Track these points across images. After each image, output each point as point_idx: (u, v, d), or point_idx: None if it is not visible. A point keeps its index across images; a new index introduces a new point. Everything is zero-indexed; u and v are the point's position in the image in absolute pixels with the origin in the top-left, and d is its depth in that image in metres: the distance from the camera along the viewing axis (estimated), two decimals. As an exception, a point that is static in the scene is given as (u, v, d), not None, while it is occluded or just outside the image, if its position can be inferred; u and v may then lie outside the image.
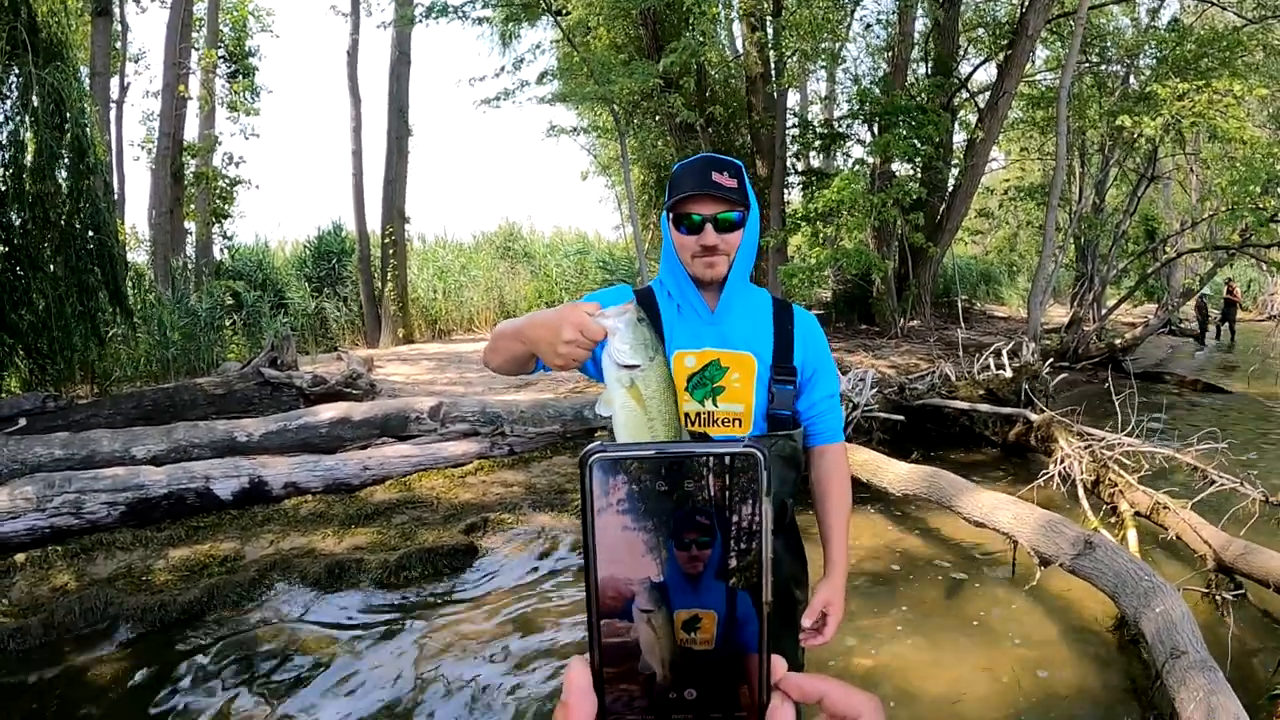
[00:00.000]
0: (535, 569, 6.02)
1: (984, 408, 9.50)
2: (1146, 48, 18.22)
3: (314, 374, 9.51)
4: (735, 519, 0.58)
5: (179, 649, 4.74)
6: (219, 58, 20.62)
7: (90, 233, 8.79)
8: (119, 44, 20.59)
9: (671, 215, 2.13)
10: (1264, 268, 17.74)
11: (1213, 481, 6.62)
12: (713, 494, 0.58)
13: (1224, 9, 18.50)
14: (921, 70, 19.60)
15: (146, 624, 4.94)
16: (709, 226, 2.07)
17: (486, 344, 2.06)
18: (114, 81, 19.16)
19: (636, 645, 0.58)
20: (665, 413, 1.45)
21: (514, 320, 1.89)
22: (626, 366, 1.42)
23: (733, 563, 0.58)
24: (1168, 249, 19.61)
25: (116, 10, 19.37)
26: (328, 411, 8.23)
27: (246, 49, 22.62)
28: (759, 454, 0.59)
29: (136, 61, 23.62)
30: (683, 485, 0.58)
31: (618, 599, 0.59)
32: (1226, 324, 23.41)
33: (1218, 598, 5.07)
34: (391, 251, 18.19)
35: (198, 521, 6.47)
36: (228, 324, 14.29)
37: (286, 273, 20.27)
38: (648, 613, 0.58)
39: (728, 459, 0.59)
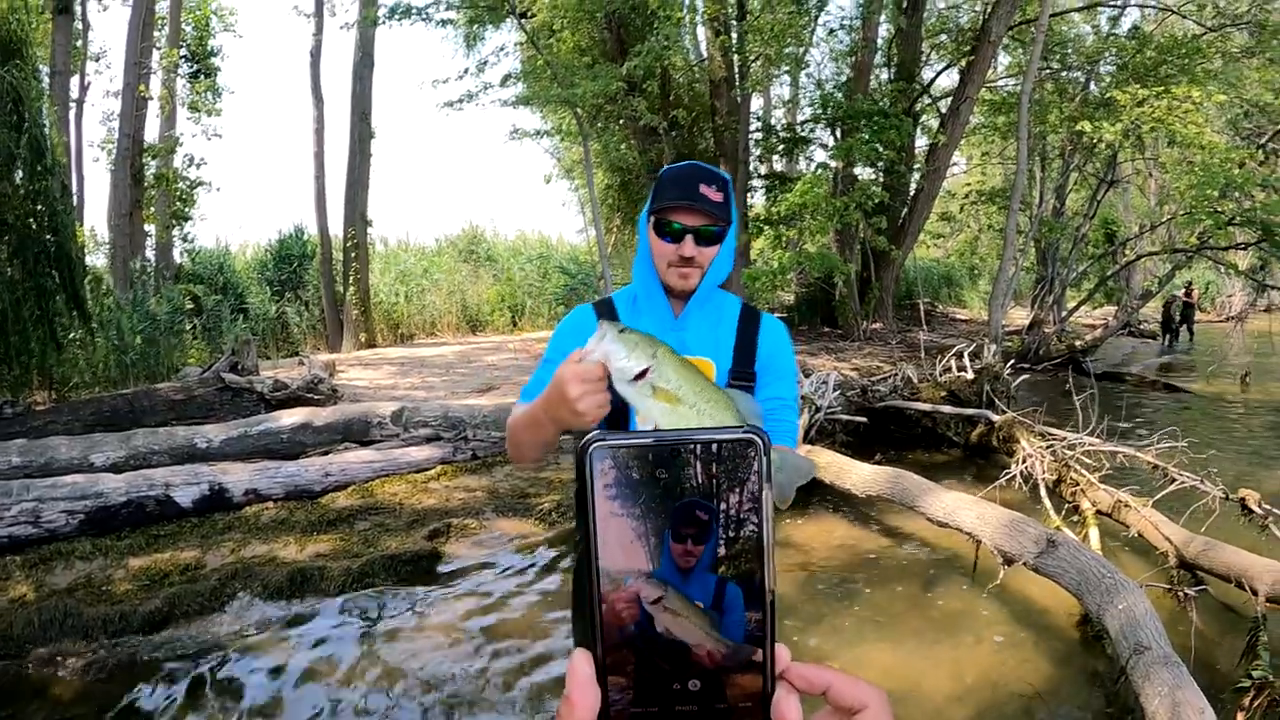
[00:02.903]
0: (499, 574, 6.00)
1: (946, 409, 9.57)
2: (1107, 54, 18.46)
3: (275, 379, 9.44)
4: (726, 507, 0.58)
5: (140, 660, 4.69)
6: (181, 57, 20.37)
7: (48, 235, 8.69)
8: (80, 42, 20.35)
9: (653, 219, 2.12)
10: (1222, 270, 17.97)
11: (1173, 480, 6.71)
12: (707, 482, 0.58)
13: (1184, 17, 18.71)
14: (884, 75, 19.73)
15: (107, 635, 4.89)
16: (689, 238, 2.06)
17: (509, 446, 2.03)
18: (74, 80, 18.99)
19: (636, 635, 0.59)
20: (702, 392, 1.38)
21: (518, 415, 1.89)
22: (639, 376, 1.37)
23: (722, 551, 0.59)
24: (1127, 252, 19.84)
25: (78, 8, 19.15)
26: (289, 417, 8.19)
27: (209, 49, 22.33)
28: (759, 439, 0.59)
29: (97, 60, 23.34)
30: (682, 473, 0.58)
31: (616, 589, 0.59)
32: (1185, 325, 23.70)
33: (1180, 594, 5.14)
34: (353, 255, 18.08)
35: (158, 530, 6.39)
36: (188, 328, 14.14)
37: (247, 276, 20.15)
38: (659, 599, 0.58)
39: (726, 446, 0.59)
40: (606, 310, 2.24)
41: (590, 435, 0.60)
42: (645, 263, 2.17)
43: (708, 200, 2.04)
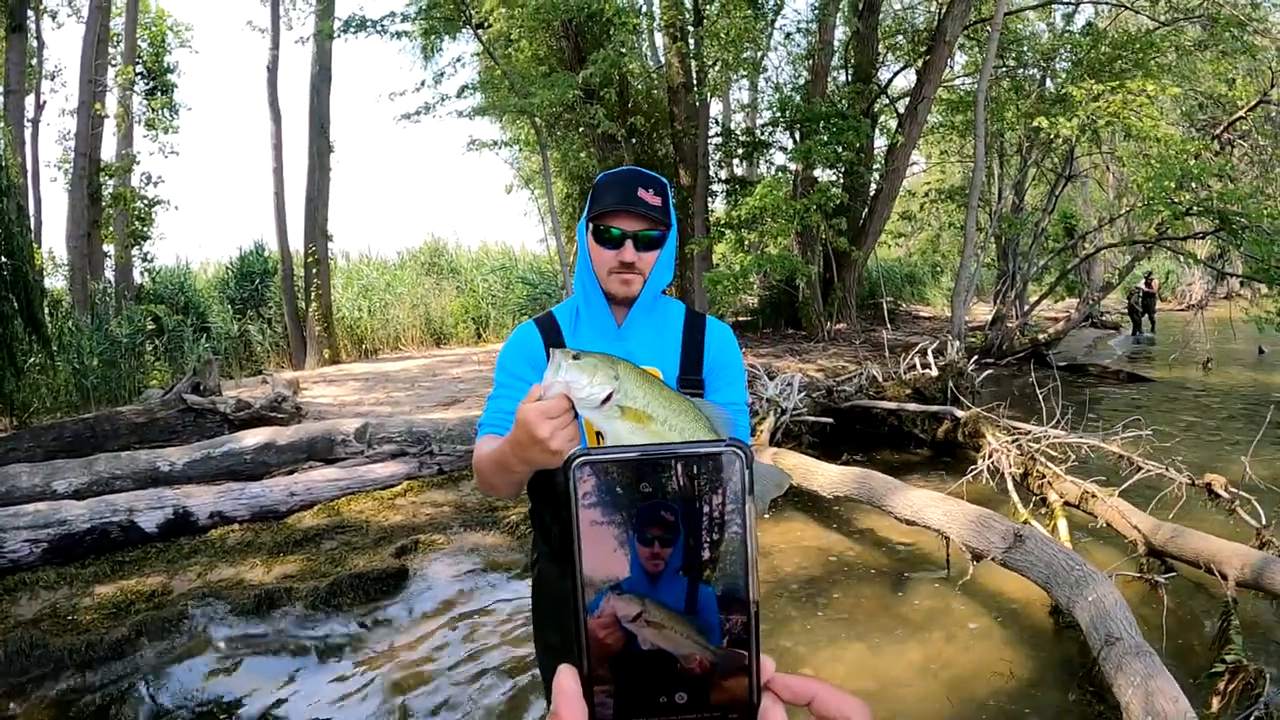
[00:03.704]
0: (469, 589, 5.98)
1: (911, 407, 9.62)
2: (1062, 51, 18.65)
3: (238, 399, 9.36)
4: (708, 517, 0.58)
5: (108, 690, 4.64)
6: (136, 74, 20.15)
7: (4, 258, 8.60)
8: (34, 61, 20.12)
9: (591, 226, 2.09)
10: (1181, 259, 18.15)
11: (1139, 468, 6.79)
12: (680, 488, 0.58)
13: (1137, 12, 18.91)
14: (842, 77, 19.82)
15: (74, 665, 4.83)
16: (629, 243, 2.03)
17: (479, 484, 1.97)
18: (29, 100, 18.74)
19: (622, 649, 0.58)
20: (670, 405, 1.34)
21: (485, 455, 1.83)
22: (605, 400, 1.32)
23: (706, 555, 0.58)
24: (1087, 245, 19.99)
25: (31, 26, 18.95)
26: (252, 437, 8.11)
27: (165, 65, 22.14)
28: (742, 453, 0.59)
29: (53, 79, 23.09)
30: (665, 486, 0.58)
31: (594, 615, 0.58)
32: (1147, 315, 23.96)
33: (1150, 581, 5.18)
34: (315, 271, 17.90)
35: (122, 556, 6.31)
36: (149, 349, 13.99)
37: (208, 295, 19.91)
38: (639, 614, 0.58)
39: (710, 459, 0.58)
40: (548, 327, 2.20)
41: (574, 450, 0.59)
42: (586, 272, 2.14)
43: (646, 204, 2.02)
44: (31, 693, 4.61)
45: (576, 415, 1.41)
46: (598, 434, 1.43)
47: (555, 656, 2.39)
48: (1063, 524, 6.27)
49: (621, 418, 1.32)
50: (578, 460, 0.58)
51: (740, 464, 0.59)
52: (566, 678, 0.58)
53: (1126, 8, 19.09)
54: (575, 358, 1.34)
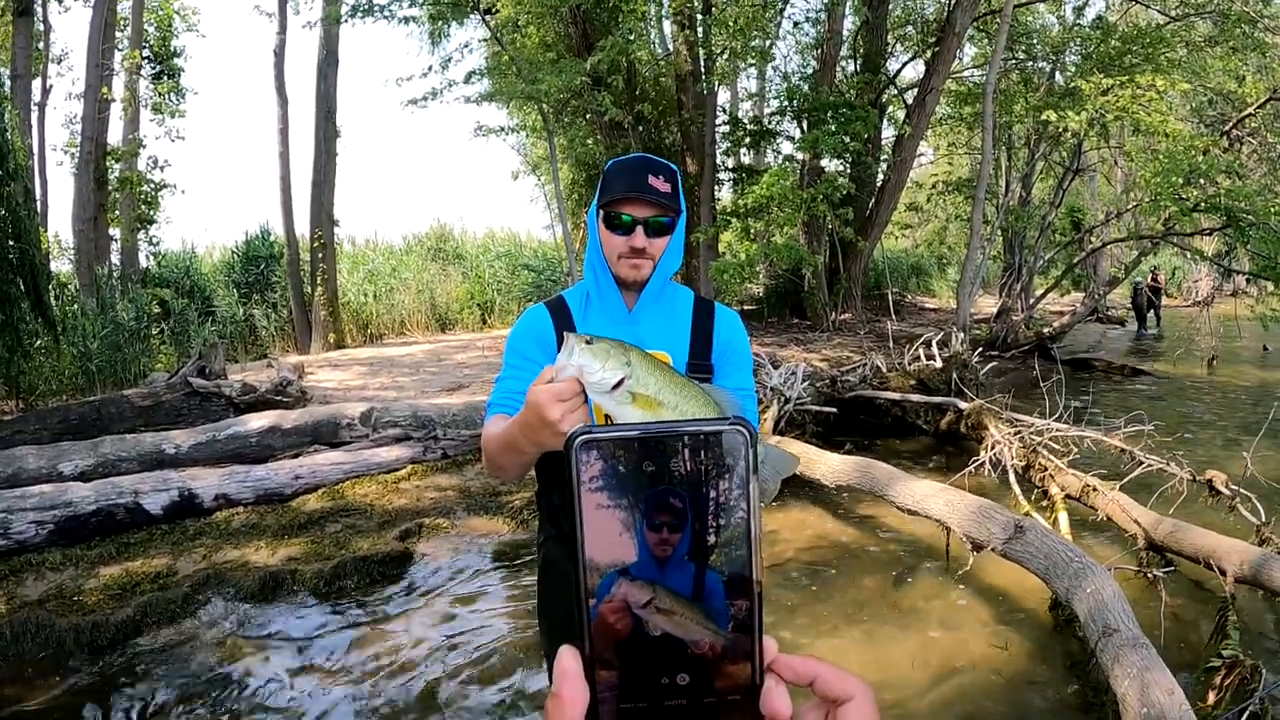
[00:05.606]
0: (472, 573, 6.00)
1: (915, 398, 9.64)
2: (1072, 44, 18.52)
3: (243, 382, 9.36)
4: (713, 497, 0.58)
5: (114, 670, 4.67)
6: (143, 58, 20.05)
7: (11, 241, 8.60)
8: (41, 45, 20.04)
9: (602, 212, 2.11)
10: (1187, 255, 18.10)
11: (1140, 463, 6.79)
12: (688, 472, 0.58)
13: (1147, 6, 18.82)
14: (850, 67, 19.76)
15: (80, 646, 4.85)
16: (640, 229, 2.06)
17: (487, 467, 2.00)
18: (36, 84, 18.70)
19: (629, 634, 0.58)
20: (681, 392, 1.36)
21: (494, 437, 1.86)
22: (617, 385, 1.34)
23: (711, 540, 0.58)
24: (1093, 239, 19.92)
25: (38, 9, 18.88)
26: (257, 420, 8.13)
27: (172, 49, 22.00)
28: (745, 431, 0.59)
29: (59, 63, 23.02)
30: (668, 464, 0.58)
31: (604, 601, 0.58)
32: (1152, 310, 23.90)
33: (1149, 575, 5.19)
34: (320, 255, 17.86)
35: (128, 538, 6.34)
36: (155, 333, 13.99)
37: (214, 279, 19.86)
38: (650, 601, 0.58)
39: (712, 437, 0.59)
40: (559, 310, 2.23)
41: (576, 429, 0.59)
42: (596, 257, 2.17)
43: (656, 191, 2.05)
44: (37, 673, 4.64)
45: (587, 399, 1.42)
46: (606, 418, 1.44)
47: (560, 638, 2.41)
48: (1063, 517, 6.28)
49: (633, 404, 1.33)
50: (580, 439, 0.58)
51: (744, 443, 0.59)
52: (568, 658, 0.58)
53: (1137, 1, 19.02)
54: (588, 342, 1.35)
